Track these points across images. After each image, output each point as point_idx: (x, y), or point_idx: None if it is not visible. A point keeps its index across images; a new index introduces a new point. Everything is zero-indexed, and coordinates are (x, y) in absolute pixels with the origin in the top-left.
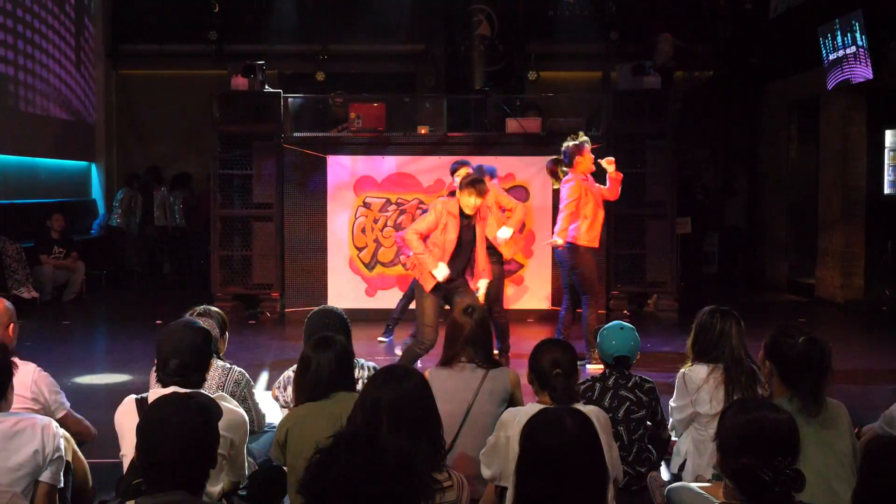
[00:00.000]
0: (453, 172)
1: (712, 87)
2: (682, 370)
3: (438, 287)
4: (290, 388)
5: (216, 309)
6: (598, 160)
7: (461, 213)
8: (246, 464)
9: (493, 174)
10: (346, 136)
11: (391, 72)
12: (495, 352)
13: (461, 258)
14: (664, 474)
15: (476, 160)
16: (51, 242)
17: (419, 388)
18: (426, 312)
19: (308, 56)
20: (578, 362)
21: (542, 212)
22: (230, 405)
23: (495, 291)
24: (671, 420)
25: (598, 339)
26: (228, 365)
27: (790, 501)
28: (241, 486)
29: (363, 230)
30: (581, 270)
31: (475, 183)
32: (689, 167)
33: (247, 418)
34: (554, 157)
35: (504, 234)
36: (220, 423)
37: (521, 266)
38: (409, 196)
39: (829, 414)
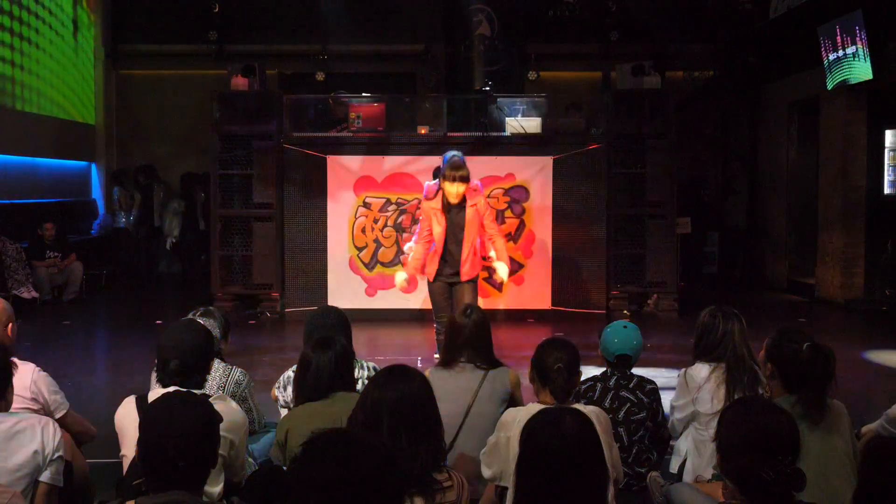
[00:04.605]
0: (435, 176)
1: (712, 87)
2: (684, 369)
3: (439, 278)
4: (290, 388)
5: (219, 310)
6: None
7: (444, 203)
8: (246, 464)
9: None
10: (346, 136)
11: (391, 72)
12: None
13: (455, 249)
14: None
15: (476, 160)
16: (43, 248)
17: (420, 388)
18: (432, 302)
19: (308, 56)
20: None
21: (542, 212)
22: (231, 405)
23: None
24: (671, 419)
25: (600, 338)
26: (229, 365)
27: (790, 501)
28: (240, 487)
29: (363, 230)
30: None
31: (456, 167)
32: (694, 167)
33: (247, 419)
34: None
35: (503, 272)
36: (221, 424)
37: (521, 266)
38: (409, 196)
39: (829, 414)
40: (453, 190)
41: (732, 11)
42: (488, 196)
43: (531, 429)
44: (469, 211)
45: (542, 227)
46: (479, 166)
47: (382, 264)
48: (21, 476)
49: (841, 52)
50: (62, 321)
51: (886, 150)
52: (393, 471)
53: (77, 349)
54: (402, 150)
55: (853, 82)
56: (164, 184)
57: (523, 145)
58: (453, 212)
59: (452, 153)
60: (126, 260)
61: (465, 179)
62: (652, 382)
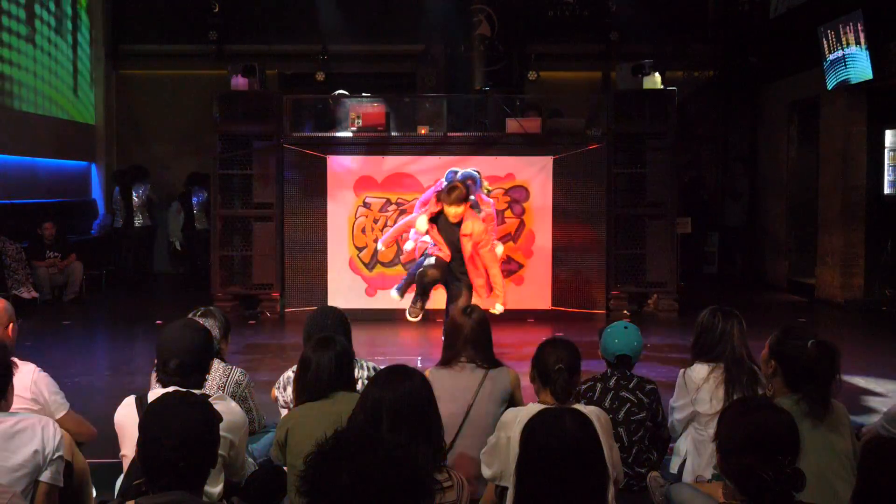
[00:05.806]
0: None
1: (712, 87)
2: (683, 369)
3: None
4: (290, 389)
5: (219, 310)
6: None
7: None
8: (246, 464)
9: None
10: (346, 136)
11: (391, 72)
12: None
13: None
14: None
15: (476, 160)
16: (43, 248)
17: (420, 388)
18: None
19: (308, 56)
20: None
21: (542, 212)
22: (231, 405)
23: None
24: (671, 419)
25: (600, 338)
26: (229, 365)
27: (790, 501)
28: (240, 487)
29: (363, 230)
30: None
31: (451, 191)
32: (694, 167)
33: (247, 419)
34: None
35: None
36: (221, 424)
37: (521, 266)
38: (409, 196)
39: (831, 413)
40: (452, 212)
41: (732, 11)
42: (489, 193)
43: (531, 429)
44: (463, 240)
45: (542, 226)
46: (479, 166)
47: (382, 264)
48: (21, 476)
49: (841, 52)
50: (62, 321)
51: (886, 150)
52: (414, 472)
53: (77, 349)
54: (402, 150)
55: (853, 82)
56: (153, 185)
57: (523, 145)
58: (449, 227)
59: (452, 171)
60: (121, 260)
61: (462, 199)
62: (652, 383)
